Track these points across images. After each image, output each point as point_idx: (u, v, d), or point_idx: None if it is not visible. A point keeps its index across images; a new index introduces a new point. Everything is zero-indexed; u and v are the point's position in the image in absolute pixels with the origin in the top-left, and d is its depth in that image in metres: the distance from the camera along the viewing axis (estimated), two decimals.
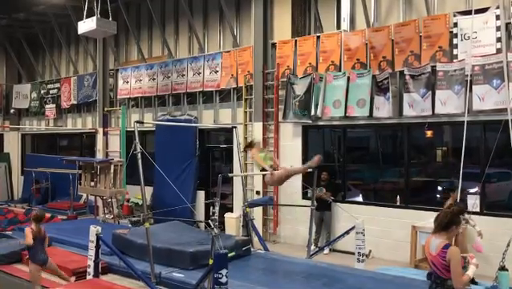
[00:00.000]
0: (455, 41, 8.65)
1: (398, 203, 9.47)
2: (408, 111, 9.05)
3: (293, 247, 10.03)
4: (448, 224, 4.22)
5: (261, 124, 11.24)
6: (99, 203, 13.09)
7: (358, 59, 9.90)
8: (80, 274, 7.17)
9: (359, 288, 6.67)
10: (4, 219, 12.63)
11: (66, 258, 8.02)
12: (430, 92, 8.74)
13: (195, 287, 6.27)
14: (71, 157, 14.18)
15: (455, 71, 8.50)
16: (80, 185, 13.06)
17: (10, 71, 18.96)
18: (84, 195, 14.23)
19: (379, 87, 9.39)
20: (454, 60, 8.62)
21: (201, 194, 12.61)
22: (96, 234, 6.69)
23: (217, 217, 6.78)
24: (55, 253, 7.92)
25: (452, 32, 8.70)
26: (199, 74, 12.78)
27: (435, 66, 8.75)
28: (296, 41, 10.84)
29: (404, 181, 9.58)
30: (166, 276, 7.23)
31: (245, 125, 11.67)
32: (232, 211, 11.61)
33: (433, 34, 8.88)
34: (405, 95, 9.08)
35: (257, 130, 11.32)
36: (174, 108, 13.51)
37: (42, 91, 17.64)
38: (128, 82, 14.68)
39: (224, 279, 5.46)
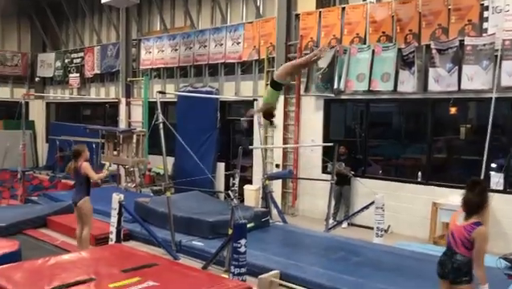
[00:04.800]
0: (485, 14, 8.35)
1: (419, 179, 9.37)
2: (433, 86, 8.85)
3: (311, 221, 10.08)
4: (478, 206, 4.04)
5: (282, 96, 11.12)
6: (122, 172, 13.31)
7: (383, 32, 9.67)
8: (103, 241, 7.35)
9: (376, 262, 6.70)
10: (29, 185, 12.98)
11: None
12: (457, 67, 8.51)
13: (214, 256, 6.38)
14: (94, 126, 14.39)
15: (484, 45, 8.23)
16: (103, 153, 13.28)
17: (34, 39, 19.13)
18: (107, 164, 14.46)
19: (404, 61, 9.18)
20: (484, 34, 8.34)
21: (221, 166, 12.69)
22: (119, 202, 6.83)
23: (236, 189, 6.86)
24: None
25: (482, 5, 8.39)
26: (221, 45, 12.69)
27: (463, 40, 8.49)
28: (320, 12, 10.63)
29: (426, 157, 9.46)
30: (186, 244, 7.38)
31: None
32: (251, 183, 11.68)
33: (463, 7, 8.59)
34: (431, 70, 8.86)
35: (278, 103, 11.21)
36: (196, 80, 13.50)
37: (66, 60, 17.80)
38: (150, 52, 14.68)
39: (243, 249, 5.55)
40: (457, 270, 4.05)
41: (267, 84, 7.20)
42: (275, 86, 6.33)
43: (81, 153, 6.94)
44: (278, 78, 6.29)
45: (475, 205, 4.05)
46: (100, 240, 7.47)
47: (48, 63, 18.54)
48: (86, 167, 6.85)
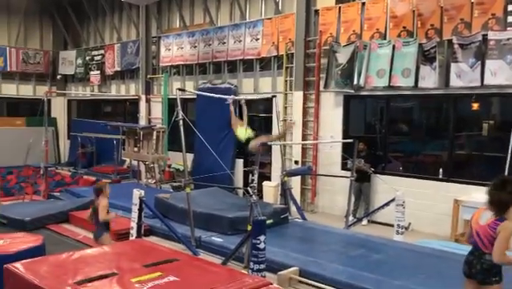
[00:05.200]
0: (510, 8, 8.18)
1: (440, 176, 9.25)
2: (455, 81, 8.72)
3: (330, 217, 10.04)
4: (505, 205, 3.92)
5: (301, 93, 11.12)
6: (142, 168, 13.46)
7: (404, 27, 9.55)
8: (124, 236, 7.44)
9: (397, 260, 6.65)
10: (52, 181, 13.21)
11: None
12: (480, 62, 8.37)
13: (233, 252, 6.41)
14: (115, 123, 14.56)
15: (508, 39, 8.07)
16: (124, 150, 13.43)
17: (56, 37, 19.43)
18: (128, 160, 14.65)
19: (425, 57, 9.06)
20: (508, 28, 8.18)
21: (240, 162, 12.72)
22: (140, 198, 6.89)
23: (255, 185, 6.86)
24: None
25: None
26: (240, 42, 12.70)
27: (486, 34, 8.34)
28: (340, 7, 10.55)
29: (448, 153, 9.33)
30: (205, 240, 7.43)
31: (285, 94, 11.59)
32: (270, 180, 11.68)
33: (486, 1, 8.42)
34: (453, 65, 8.73)
35: (297, 99, 11.22)
36: (215, 76, 13.55)
37: (87, 58, 18.04)
38: (169, 49, 14.78)
39: (262, 245, 5.56)
40: (486, 270, 3.98)
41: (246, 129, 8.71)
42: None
43: (102, 190, 6.47)
44: (251, 149, 8.19)
45: (505, 204, 3.93)
46: (121, 235, 7.56)
47: (69, 61, 18.82)
48: (101, 204, 6.34)
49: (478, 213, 4.15)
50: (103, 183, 6.99)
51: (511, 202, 3.94)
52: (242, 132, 8.77)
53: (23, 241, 5.34)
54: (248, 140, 8.62)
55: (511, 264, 3.97)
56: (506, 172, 7.51)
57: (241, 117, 9.20)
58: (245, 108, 9.34)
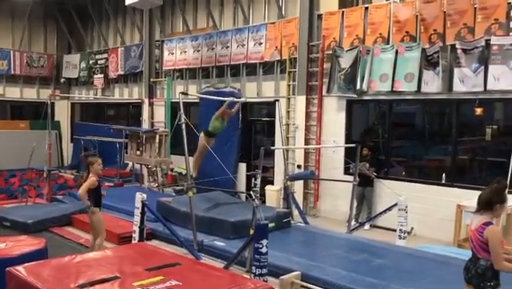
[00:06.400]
0: None
1: (443, 181, 9.22)
2: (458, 86, 8.70)
3: (333, 222, 10.02)
4: (489, 202, 3.98)
5: (304, 97, 11.13)
6: (145, 172, 13.47)
7: (407, 32, 9.56)
8: (126, 239, 7.45)
9: (399, 264, 6.63)
10: (55, 184, 13.24)
11: (112, 223, 8.36)
12: (483, 67, 8.36)
13: (236, 256, 6.40)
14: (118, 126, 14.60)
15: (511, 45, 8.07)
16: (127, 153, 13.46)
17: (60, 41, 19.54)
18: (130, 163, 14.67)
19: (428, 62, 9.06)
20: (511, 34, 8.18)
21: (243, 166, 12.72)
22: (142, 201, 6.90)
23: (258, 189, 6.87)
24: None
25: (510, 3, 8.23)
26: (243, 46, 12.73)
27: (489, 39, 8.33)
28: (343, 12, 10.57)
29: (451, 158, 9.31)
30: (208, 244, 7.42)
31: (288, 98, 11.60)
32: (273, 184, 11.67)
33: (489, 6, 8.43)
34: (456, 70, 8.72)
35: (300, 104, 11.23)
36: (218, 80, 13.57)
37: (90, 62, 18.12)
38: (173, 53, 14.82)
39: (264, 249, 5.56)
40: (481, 275, 3.97)
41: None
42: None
43: (93, 164, 6.71)
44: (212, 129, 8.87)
45: (485, 202, 3.99)
46: (124, 238, 7.57)
47: (73, 64, 18.91)
48: (87, 181, 6.58)
49: (472, 219, 4.18)
50: (94, 159, 6.98)
51: (495, 200, 3.98)
52: (218, 124, 9.22)
53: (26, 244, 5.34)
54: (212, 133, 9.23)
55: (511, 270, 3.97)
56: (509, 177, 7.47)
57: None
58: (236, 108, 9.76)
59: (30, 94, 18.72)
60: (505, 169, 7.92)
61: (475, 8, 8.61)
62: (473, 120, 9.47)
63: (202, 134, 9.14)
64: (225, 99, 9.93)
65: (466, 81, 8.56)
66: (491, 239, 3.86)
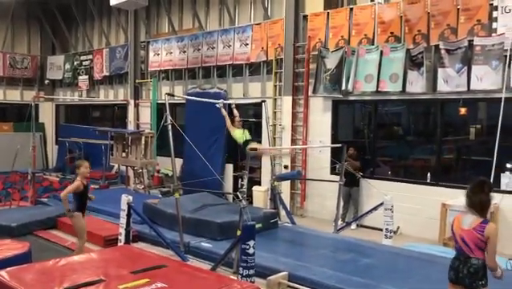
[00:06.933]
0: (495, 14, 8.29)
1: (428, 180, 9.32)
2: (442, 86, 8.80)
3: (320, 222, 10.06)
4: (484, 204, 4.06)
5: (290, 98, 11.16)
6: (131, 173, 13.38)
7: (392, 33, 9.64)
8: (112, 242, 7.39)
9: (386, 264, 6.68)
10: (40, 187, 13.08)
11: (98, 225, 8.30)
12: (466, 67, 8.46)
13: (223, 257, 6.39)
14: (103, 128, 14.47)
15: (493, 45, 8.17)
16: (112, 155, 13.35)
17: (44, 42, 19.29)
18: (116, 165, 14.56)
19: (412, 62, 9.15)
20: (493, 34, 8.29)
21: (230, 167, 12.70)
22: (128, 203, 6.86)
23: (245, 190, 6.87)
24: (88, 221, 8.16)
25: (492, 5, 8.34)
26: (229, 47, 12.71)
27: (472, 40, 8.44)
28: (328, 13, 10.61)
29: (436, 158, 9.40)
30: (195, 245, 7.40)
31: (275, 99, 11.62)
32: (260, 184, 11.68)
33: (472, 7, 8.54)
34: (440, 70, 8.82)
35: (286, 104, 11.25)
36: (204, 81, 13.54)
37: (75, 63, 17.93)
38: (158, 54, 14.75)
39: (251, 250, 5.55)
40: (473, 274, 4.00)
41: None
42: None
43: (80, 168, 6.71)
44: (249, 152, 8.43)
45: (486, 205, 4.06)
46: (109, 241, 7.51)
47: (57, 66, 18.69)
48: (72, 184, 6.59)
49: (458, 218, 4.20)
50: (80, 162, 6.97)
51: (490, 202, 4.08)
52: (240, 133, 9.24)
53: (9, 248, 5.27)
54: (246, 143, 9.06)
55: (500, 270, 4.03)
56: (492, 176, 7.58)
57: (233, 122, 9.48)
58: (236, 112, 9.39)
59: (14, 96, 18.45)
60: (489, 168, 8.01)
61: (458, 9, 8.71)
62: (458, 120, 9.57)
63: (248, 150, 8.67)
64: (212, 101, 9.90)
65: (450, 81, 8.66)
66: (492, 236, 3.93)
